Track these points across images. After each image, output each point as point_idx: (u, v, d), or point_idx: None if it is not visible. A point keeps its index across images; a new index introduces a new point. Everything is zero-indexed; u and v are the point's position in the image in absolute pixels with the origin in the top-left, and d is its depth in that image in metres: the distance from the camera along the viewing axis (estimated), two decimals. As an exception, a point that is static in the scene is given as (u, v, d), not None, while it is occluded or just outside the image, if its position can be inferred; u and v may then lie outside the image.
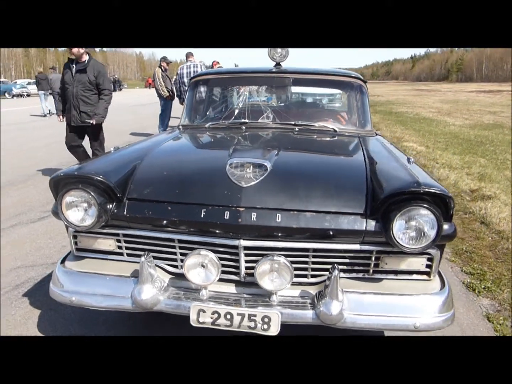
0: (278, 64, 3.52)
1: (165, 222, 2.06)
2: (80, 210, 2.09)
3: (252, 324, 1.97)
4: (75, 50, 5.17)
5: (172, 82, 10.22)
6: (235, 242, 2.02)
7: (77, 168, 2.16)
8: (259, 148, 2.64)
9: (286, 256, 2.01)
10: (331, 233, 1.98)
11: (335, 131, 3.15)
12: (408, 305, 2.01)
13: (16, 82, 43.56)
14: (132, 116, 16.98)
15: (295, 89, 3.85)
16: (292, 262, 2.03)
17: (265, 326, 1.97)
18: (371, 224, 1.96)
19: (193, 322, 2.01)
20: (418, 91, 43.47)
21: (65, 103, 5.52)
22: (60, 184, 2.11)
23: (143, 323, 2.63)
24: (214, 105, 3.60)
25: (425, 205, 1.87)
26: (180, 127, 3.41)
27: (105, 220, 2.11)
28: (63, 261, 2.31)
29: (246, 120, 3.27)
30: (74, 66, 5.31)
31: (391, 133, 11.23)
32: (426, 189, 1.87)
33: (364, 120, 3.43)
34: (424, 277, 2.11)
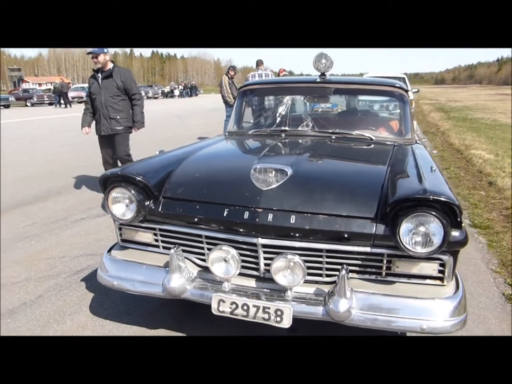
0: (322, 74, 3.66)
1: (193, 219, 2.30)
2: (122, 205, 2.39)
3: (266, 316, 2.15)
4: (101, 58, 5.05)
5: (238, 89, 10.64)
6: (254, 240, 2.21)
7: (122, 169, 2.48)
8: (288, 154, 2.81)
9: (301, 255, 2.16)
10: (342, 235, 2.10)
11: (371, 139, 3.22)
12: (416, 307, 2.07)
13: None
14: (203, 120, 17.72)
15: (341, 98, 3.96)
16: (307, 261, 2.18)
17: (278, 319, 2.13)
18: (381, 228, 2.06)
19: (214, 310, 2.22)
20: (502, 96, 40.65)
21: (93, 115, 5.36)
22: (108, 182, 2.43)
23: (175, 315, 2.88)
24: (259, 113, 3.81)
25: (431, 212, 1.94)
26: (226, 133, 3.67)
27: (143, 215, 2.39)
28: (109, 250, 2.64)
29: (286, 128, 3.45)
30: (100, 75, 5.19)
31: (460, 140, 10.75)
32: (432, 196, 1.94)
33: (404, 129, 3.46)
34: (437, 282, 2.15)
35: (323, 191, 2.25)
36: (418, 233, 1.97)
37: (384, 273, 2.18)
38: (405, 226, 1.97)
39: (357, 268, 2.20)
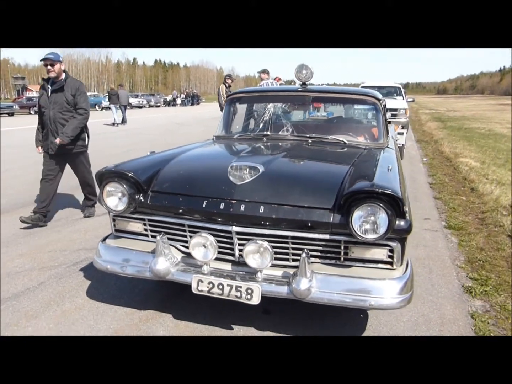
0: (303, 83, 4.01)
1: (177, 210, 2.64)
2: (115, 198, 2.73)
3: (238, 294, 2.46)
4: (57, 67, 4.53)
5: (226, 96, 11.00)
6: (229, 228, 2.53)
7: (115, 166, 2.81)
8: (263, 155, 3.15)
9: (270, 241, 2.48)
10: (304, 223, 2.43)
11: (344, 143, 3.56)
12: (368, 286, 2.38)
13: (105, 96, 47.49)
14: (203, 128, 18.08)
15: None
16: (276, 247, 2.51)
17: (249, 296, 2.45)
18: (337, 218, 2.38)
19: (193, 289, 2.54)
20: (502, 106, 41.03)
21: (44, 130, 4.78)
22: (103, 177, 2.77)
23: (162, 298, 3.19)
24: (244, 119, 4.16)
25: (378, 203, 2.26)
26: (214, 137, 4.02)
27: (134, 207, 2.73)
28: (104, 240, 2.97)
29: (268, 133, 3.80)
30: (50, 86, 4.63)
31: (451, 148, 11.08)
32: (378, 190, 2.26)
33: (376, 134, 3.80)
34: (388, 266, 2.47)
35: (289, 185, 2.59)
36: (367, 221, 2.30)
37: (342, 258, 2.50)
38: (356, 215, 2.29)
39: (319, 254, 2.52)
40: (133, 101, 41.69)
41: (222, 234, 2.58)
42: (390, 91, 16.06)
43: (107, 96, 23.20)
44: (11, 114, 29.08)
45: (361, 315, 2.96)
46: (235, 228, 2.53)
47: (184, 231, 2.69)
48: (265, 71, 9.46)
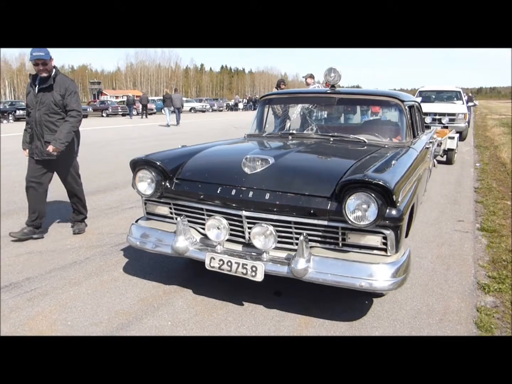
0: (332, 86, 4.23)
1: (196, 195, 2.99)
2: (145, 183, 3.12)
3: (244, 271, 2.76)
4: (49, 66, 4.05)
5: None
6: (240, 212, 2.84)
7: (146, 155, 3.21)
8: (279, 149, 3.42)
9: (276, 226, 2.75)
10: (305, 210, 2.68)
11: (364, 141, 3.74)
12: (360, 269, 2.58)
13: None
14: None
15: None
16: (280, 231, 2.78)
17: (253, 273, 2.73)
18: (333, 205, 2.60)
19: (207, 266, 2.87)
20: None
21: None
22: (136, 165, 3.18)
23: (186, 276, 3.55)
24: (274, 119, 4.45)
25: (368, 192, 2.46)
26: (246, 135, 4.34)
27: (160, 192, 3.11)
28: (137, 221, 3.38)
29: (294, 131, 4.06)
30: (37, 84, 4.12)
31: (510, 154, 10.63)
32: (368, 179, 2.46)
33: (397, 133, 3.94)
34: (382, 252, 2.65)
35: (294, 175, 2.85)
36: (358, 208, 2.50)
37: (340, 244, 2.72)
38: (349, 203, 2.51)
39: (319, 238, 2.75)
40: (197, 105, 43.30)
41: (233, 218, 2.89)
42: (450, 96, 15.61)
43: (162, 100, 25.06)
44: (85, 116, 31.36)
45: (366, 302, 3.13)
46: (245, 213, 2.82)
47: (203, 214, 3.03)
48: (311, 76, 9.64)
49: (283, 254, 2.82)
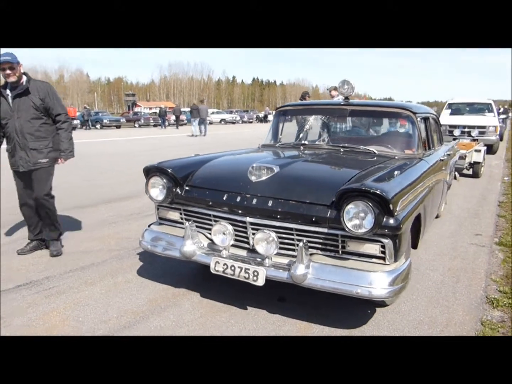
0: (346, 98, 4.31)
1: (204, 201, 3.11)
2: (157, 189, 3.27)
3: (246, 275, 2.85)
4: (17, 70, 3.80)
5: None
6: (244, 219, 2.94)
7: (159, 163, 3.37)
8: (286, 159, 3.51)
9: (278, 232, 2.84)
10: (306, 217, 2.76)
11: (374, 153, 3.79)
12: (357, 277, 2.63)
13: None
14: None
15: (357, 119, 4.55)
16: (283, 238, 2.86)
17: (255, 278, 2.82)
18: (333, 213, 2.67)
19: (211, 269, 2.98)
20: None
21: (8, 144, 4.00)
22: (149, 172, 3.34)
23: (195, 281, 3.66)
24: (288, 129, 4.55)
25: (365, 201, 2.52)
26: (260, 145, 4.46)
27: (171, 198, 3.25)
28: (149, 226, 3.54)
29: (306, 142, 4.16)
30: (9, 92, 3.85)
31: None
32: (364, 188, 2.52)
33: (408, 145, 3.97)
34: (381, 261, 2.69)
35: (297, 184, 2.94)
36: (356, 216, 2.56)
37: (340, 251, 2.78)
38: (346, 211, 2.57)
39: (320, 246, 2.82)
40: (227, 117, 43.91)
41: (238, 223, 3.00)
42: (481, 108, 15.32)
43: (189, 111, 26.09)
44: (118, 127, 32.36)
45: (369, 311, 3.16)
46: (249, 219, 2.93)
47: (210, 220, 3.15)
48: (335, 88, 9.66)
49: (285, 260, 2.90)
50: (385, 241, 2.63)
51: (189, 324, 2.93)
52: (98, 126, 31.64)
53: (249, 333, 2.84)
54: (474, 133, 13.55)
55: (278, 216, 2.84)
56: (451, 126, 14.15)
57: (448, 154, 5.24)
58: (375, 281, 2.61)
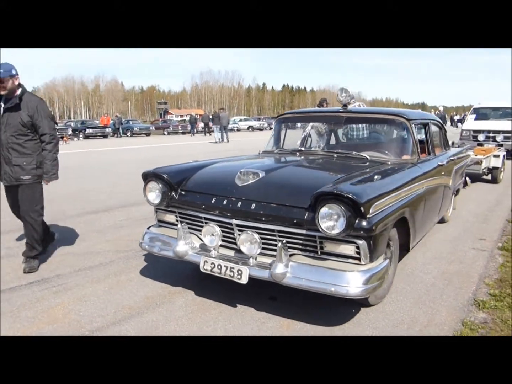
0: (344, 105, 4.45)
1: (195, 204, 3.33)
2: (154, 193, 3.51)
3: (231, 274, 3.04)
4: (8, 84, 3.71)
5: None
6: (231, 221, 3.13)
7: (155, 168, 3.61)
8: (275, 164, 3.69)
9: (261, 233, 3.02)
10: (286, 219, 2.92)
11: (366, 158, 3.91)
12: (332, 276, 2.77)
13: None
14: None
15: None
16: (266, 239, 3.04)
17: (239, 276, 3.00)
18: (310, 215, 2.83)
19: (201, 268, 3.18)
20: None
21: None
22: (147, 177, 3.59)
23: (192, 280, 3.86)
24: (288, 136, 4.72)
25: (337, 204, 2.67)
26: (260, 152, 4.65)
27: (167, 202, 3.48)
28: (149, 228, 3.78)
29: (302, 148, 4.32)
30: (2, 104, 3.83)
31: None
32: (336, 192, 2.67)
33: (402, 151, 4.07)
34: (356, 261, 2.82)
35: (279, 188, 3.11)
36: (329, 218, 2.71)
37: (319, 252, 2.92)
38: (321, 213, 2.72)
39: (300, 247, 2.98)
40: (254, 123, 44.35)
41: (226, 225, 3.19)
42: (508, 113, 14.97)
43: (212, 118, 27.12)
44: (148, 134, 33.27)
45: (353, 310, 3.28)
46: (235, 221, 3.12)
47: (201, 222, 3.35)
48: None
49: (268, 260, 3.06)
50: (360, 242, 2.76)
51: (179, 319, 3.13)
52: (128, 134, 32.67)
53: (234, 328, 3.02)
54: (499, 138, 13.31)
55: (262, 218, 3.02)
56: (475, 131, 13.94)
57: (452, 160, 5.27)
58: (349, 280, 2.74)
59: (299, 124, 4.80)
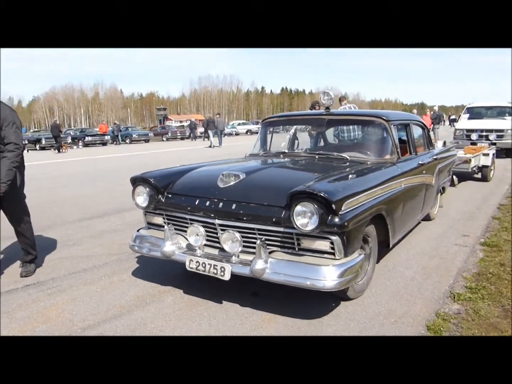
0: (327, 108, 4.63)
1: (180, 206, 3.49)
2: (141, 197, 3.68)
3: (215, 271, 3.20)
4: None
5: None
6: (213, 221, 3.30)
7: (143, 173, 3.78)
8: (256, 165, 3.86)
9: (243, 232, 3.18)
10: (264, 218, 3.09)
11: (346, 159, 4.08)
12: (308, 270, 2.93)
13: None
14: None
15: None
16: (247, 237, 3.20)
17: (222, 273, 3.16)
18: (286, 214, 2.99)
19: (187, 267, 3.34)
20: None
21: None
22: (135, 181, 3.76)
23: (181, 280, 4.02)
24: (273, 139, 4.89)
25: (310, 202, 2.83)
26: (246, 155, 4.82)
27: (154, 205, 3.65)
28: (138, 230, 3.94)
29: (286, 150, 4.49)
30: None
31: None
32: (309, 190, 2.83)
33: (381, 151, 4.23)
34: (331, 256, 2.98)
35: (258, 188, 3.28)
36: (303, 216, 2.87)
37: (297, 248, 3.08)
38: (295, 211, 2.89)
39: (279, 243, 3.14)
40: (253, 127, 44.56)
41: (209, 225, 3.35)
42: (502, 111, 15.15)
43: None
44: (147, 141, 33.50)
45: (333, 304, 3.43)
46: (217, 221, 3.28)
47: (187, 223, 3.52)
48: (341, 99, 10.06)
49: (250, 257, 3.22)
50: (333, 238, 2.92)
51: (167, 316, 3.29)
52: (127, 140, 32.92)
53: (217, 322, 3.18)
54: (492, 137, 13.48)
55: (243, 218, 3.18)
56: (468, 131, 14.12)
57: (435, 159, 5.43)
58: (325, 274, 2.90)
59: (283, 127, 4.96)
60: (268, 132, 4.98)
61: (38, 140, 28.85)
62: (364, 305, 3.42)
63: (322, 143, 4.69)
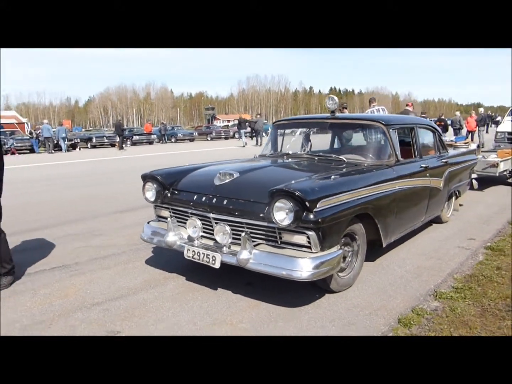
0: (332, 112, 4.88)
1: (182, 201, 3.89)
2: (150, 192, 4.11)
3: (208, 260, 3.56)
4: None
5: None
6: (208, 215, 3.67)
7: (151, 171, 4.21)
8: (254, 165, 4.19)
9: (233, 226, 3.53)
10: (250, 213, 3.42)
11: (344, 160, 4.32)
12: (286, 261, 3.23)
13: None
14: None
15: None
16: (237, 231, 3.54)
17: (213, 262, 3.52)
18: (268, 210, 3.30)
19: (185, 255, 3.73)
20: None
21: None
22: (145, 178, 4.19)
23: (187, 268, 4.41)
24: (281, 141, 5.20)
25: (287, 199, 3.13)
26: (256, 155, 5.16)
27: (161, 199, 4.07)
28: (149, 222, 4.39)
29: (290, 152, 4.79)
30: None
31: None
32: (285, 189, 3.13)
33: (379, 154, 4.44)
34: (308, 250, 3.26)
35: (249, 186, 3.61)
36: (281, 212, 3.17)
37: (279, 241, 3.39)
38: (274, 207, 3.19)
39: (264, 237, 3.46)
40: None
41: (205, 219, 3.73)
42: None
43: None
44: (191, 140, 34.55)
45: (317, 295, 3.70)
46: (212, 215, 3.65)
47: (188, 216, 3.91)
48: (371, 100, 10.15)
49: (239, 249, 3.56)
50: (309, 233, 3.20)
51: (165, 298, 3.69)
52: (173, 140, 34.11)
53: (208, 305, 3.54)
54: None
55: (233, 212, 3.53)
56: (510, 133, 13.65)
57: (445, 162, 5.51)
58: (301, 265, 3.18)
59: (292, 130, 5.26)
60: (278, 134, 5.29)
61: (90, 139, 30.45)
62: (346, 297, 3.67)
63: (324, 146, 4.94)
